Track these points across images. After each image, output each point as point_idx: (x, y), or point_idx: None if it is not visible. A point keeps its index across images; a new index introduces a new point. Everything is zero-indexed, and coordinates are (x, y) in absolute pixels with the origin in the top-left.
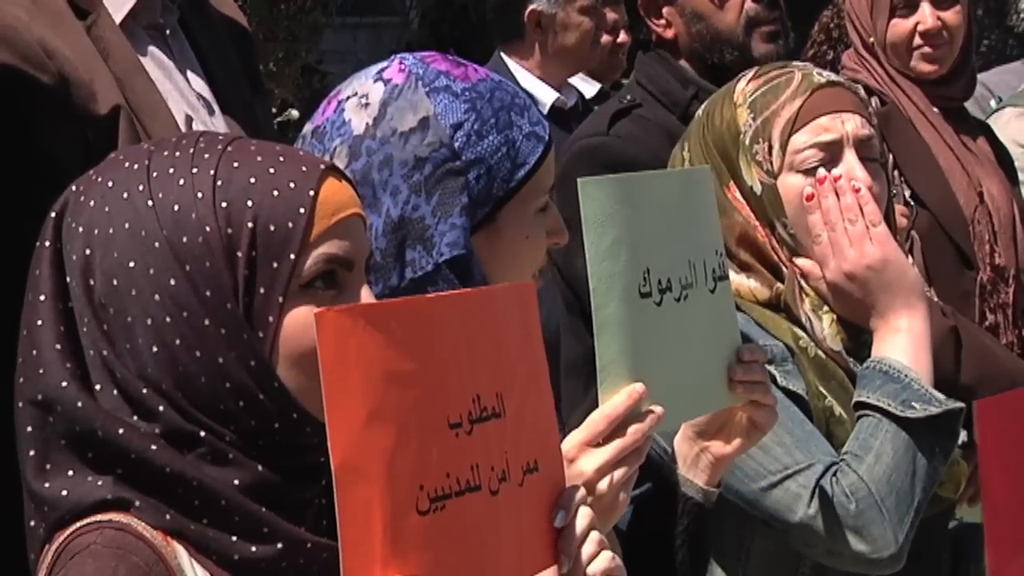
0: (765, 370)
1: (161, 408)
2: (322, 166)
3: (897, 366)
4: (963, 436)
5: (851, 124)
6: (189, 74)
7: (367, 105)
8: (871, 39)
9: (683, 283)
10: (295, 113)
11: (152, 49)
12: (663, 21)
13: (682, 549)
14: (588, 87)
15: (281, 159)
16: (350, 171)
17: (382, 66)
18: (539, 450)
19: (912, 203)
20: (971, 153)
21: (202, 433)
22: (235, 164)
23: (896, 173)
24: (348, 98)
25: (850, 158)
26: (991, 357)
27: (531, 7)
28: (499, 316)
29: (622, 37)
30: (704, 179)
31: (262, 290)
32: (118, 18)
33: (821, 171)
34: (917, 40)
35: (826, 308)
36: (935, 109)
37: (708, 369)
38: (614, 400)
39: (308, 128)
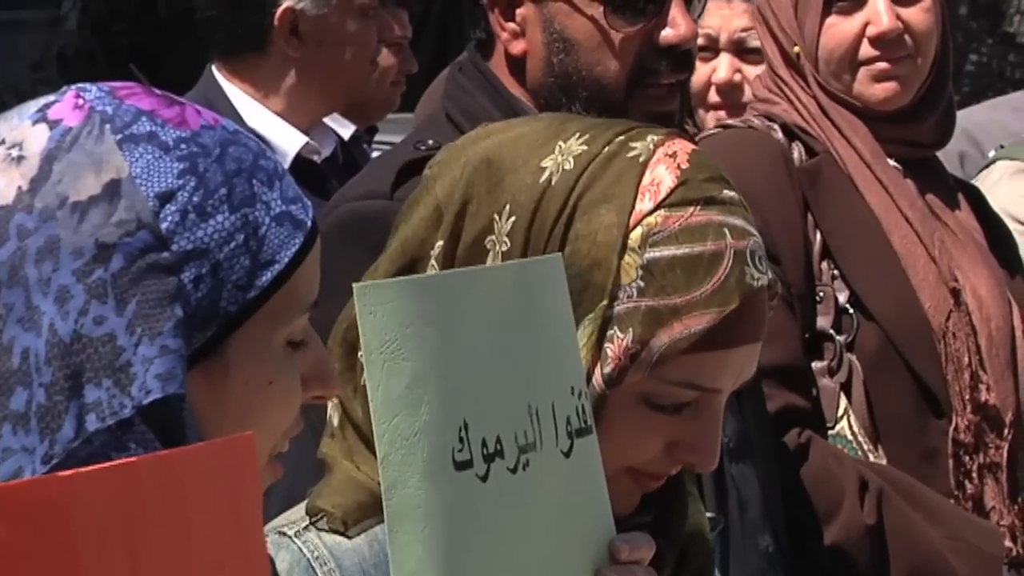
0: (651, 574)
1: None
2: None
3: None
4: None
5: (735, 377)
6: None
7: (21, 159)
8: (795, 49)
9: (521, 443)
10: None
11: None
12: (514, 26)
13: None
14: (341, 129)
15: None
16: None
17: (47, 100)
18: None
19: (851, 310)
20: (945, 229)
21: None
22: None
23: (826, 265)
24: None
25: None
26: (933, 561)
27: (285, 5)
28: (191, 499)
29: (385, 58)
30: (552, 274)
31: None
32: None
33: None
34: (866, 50)
35: None
36: (891, 161)
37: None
38: None
39: None
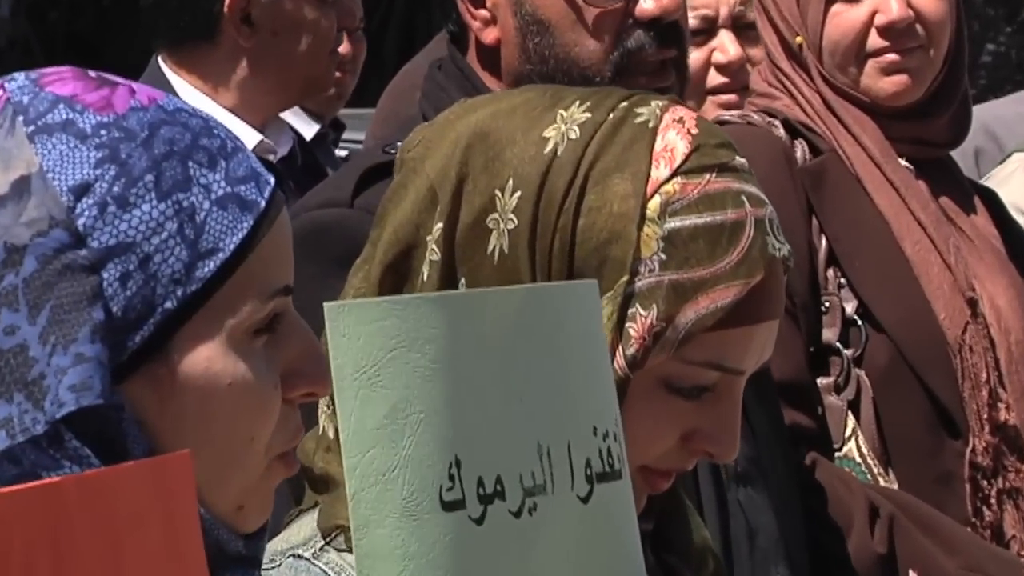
0: None
1: None
2: None
3: None
4: None
5: (758, 357)
6: None
7: None
8: (798, 39)
9: (527, 485)
10: None
11: None
12: (485, 13)
13: None
14: (305, 127)
15: None
16: None
17: None
18: None
19: (859, 322)
20: (961, 234)
21: None
22: None
23: (832, 272)
24: None
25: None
26: None
27: None
28: (122, 520)
29: (344, 47)
30: (582, 301)
31: None
32: None
33: None
34: (874, 40)
35: None
36: (902, 160)
37: None
38: None
39: None
